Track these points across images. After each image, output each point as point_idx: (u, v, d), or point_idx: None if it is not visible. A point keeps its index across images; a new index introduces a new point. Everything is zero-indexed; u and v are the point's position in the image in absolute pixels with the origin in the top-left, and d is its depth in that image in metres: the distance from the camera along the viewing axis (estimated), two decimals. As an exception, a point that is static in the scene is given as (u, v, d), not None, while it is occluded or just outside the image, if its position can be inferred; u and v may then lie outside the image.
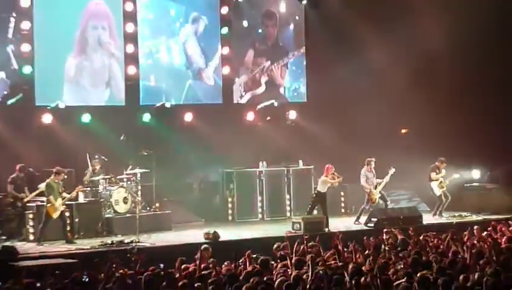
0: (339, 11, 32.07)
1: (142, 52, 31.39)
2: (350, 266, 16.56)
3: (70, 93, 29.99)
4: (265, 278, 15.39)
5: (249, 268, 17.26)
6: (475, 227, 22.53)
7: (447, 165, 29.72)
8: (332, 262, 17.53)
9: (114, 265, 18.07)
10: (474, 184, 31.78)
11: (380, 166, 29.12)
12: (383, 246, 20.19)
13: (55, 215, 24.93)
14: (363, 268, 16.67)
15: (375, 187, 28.78)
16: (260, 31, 33.84)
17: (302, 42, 34.45)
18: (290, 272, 16.44)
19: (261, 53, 33.73)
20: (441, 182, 29.44)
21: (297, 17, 34.40)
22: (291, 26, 34.49)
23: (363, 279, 15.07)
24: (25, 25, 29.11)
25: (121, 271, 17.04)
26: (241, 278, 15.82)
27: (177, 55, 32.20)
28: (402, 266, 16.75)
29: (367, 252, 19.42)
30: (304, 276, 15.58)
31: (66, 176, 26.05)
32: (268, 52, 33.88)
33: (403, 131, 32.16)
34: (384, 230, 22.91)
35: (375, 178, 28.87)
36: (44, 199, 25.17)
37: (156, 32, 31.80)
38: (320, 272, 15.89)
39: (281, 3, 34.01)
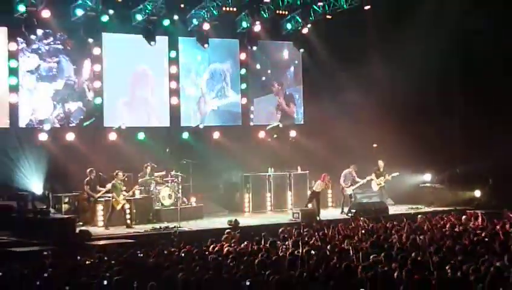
0: (326, 57, 32.13)
1: (181, 87, 31.62)
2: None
3: (129, 117, 30.21)
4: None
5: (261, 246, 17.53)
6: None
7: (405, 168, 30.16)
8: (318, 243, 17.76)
9: (161, 244, 18.37)
10: (426, 184, 31.79)
11: (359, 170, 29.48)
12: (359, 230, 20.40)
13: (118, 207, 25.19)
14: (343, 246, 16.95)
15: (349, 186, 29.06)
16: (269, 71, 33.98)
17: (300, 80, 34.60)
18: (289, 250, 16.64)
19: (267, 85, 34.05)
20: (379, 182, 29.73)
21: (296, 62, 34.52)
22: (292, 69, 34.62)
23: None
24: (97, 67, 29.39)
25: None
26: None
27: (205, 88, 32.36)
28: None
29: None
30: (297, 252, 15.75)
31: (126, 178, 26.23)
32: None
33: (374, 145, 32.11)
34: (361, 218, 23.22)
35: (356, 178, 29.19)
36: (110, 195, 25.42)
37: (188, 71, 31.98)
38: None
39: (284, 51, 34.14)
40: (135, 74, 30.60)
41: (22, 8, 26.11)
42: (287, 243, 18.15)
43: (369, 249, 16.14)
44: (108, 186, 25.67)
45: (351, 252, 15.65)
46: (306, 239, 18.40)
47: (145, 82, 30.84)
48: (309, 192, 29.09)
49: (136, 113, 30.54)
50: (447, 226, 21.04)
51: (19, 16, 26.50)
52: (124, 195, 25.37)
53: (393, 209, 28.57)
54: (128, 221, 25.41)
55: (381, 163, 29.76)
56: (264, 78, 33.90)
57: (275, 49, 34.04)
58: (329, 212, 29.19)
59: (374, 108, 31.76)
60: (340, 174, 29.42)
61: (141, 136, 29.68)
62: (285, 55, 34.25)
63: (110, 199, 25.24)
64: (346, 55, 31.15)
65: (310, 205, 28.07)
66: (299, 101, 34.61)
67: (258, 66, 33.59)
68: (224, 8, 29.72)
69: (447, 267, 13.48)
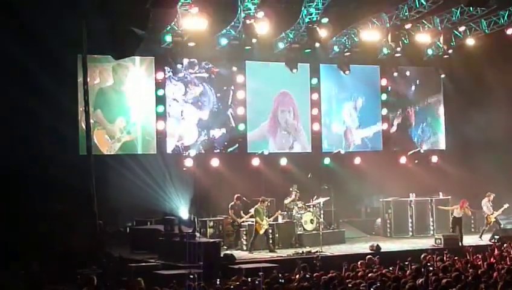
0: (468, 82, 31.51)
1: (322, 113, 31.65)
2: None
3: (272, 143, 30.42)
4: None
5: (407, 272, 17.22)
6: None
7: None
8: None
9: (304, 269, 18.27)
10: None
11: (498, 198, 28.67)
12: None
13: (262, 231, 25.25)
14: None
15: (492, 213, 28.27)
16: (409, 97, 33.59)
17: (440, 103, 34.03)
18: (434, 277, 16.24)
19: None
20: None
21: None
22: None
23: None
24: (240, 94, 29.78)
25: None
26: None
27: (348, 116, 32.30)
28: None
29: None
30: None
31: (269, 203, 26.37)
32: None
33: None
34: (505, 245, 22.49)
35: (491, 207, 28.46)
36: (254, 220, 25.56)
37: (329, 102, 32.00)
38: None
39: (425, 76, 33.67)
40: (277, 97, 30.77)
41: (168, 38, 26.80)
42: (430, 268, 17.77)
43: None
44: (252, 211, 25.78)
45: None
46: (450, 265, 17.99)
47: (286, 105, 30.97)
48: (451, 218, 28.46)
49: (279, 139, 30.67)
50: None
51: (166, 46, 27.18)
52: (267, 220, 25.44)
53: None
54: (271, 245, 25.42)
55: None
56: (403, 103, 33.46)
57: (415, 74, 33.59)
58: (472, 239, 28.38)
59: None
60: (481, 200, 28.69)
61: (283, 161, 29.83)
62: (426, 81, 33.71)
63: (254, 223, 25.35)
64: (489, 80, 30.43)
65: (452, 231, 27.46)
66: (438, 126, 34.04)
67: (398, 92, 33.18)
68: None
69: None
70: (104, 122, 27.61)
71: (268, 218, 25.56)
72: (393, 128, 33.25)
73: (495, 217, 28.39)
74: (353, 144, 32.20)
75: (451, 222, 27.86)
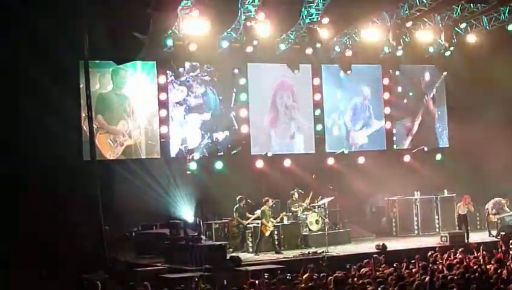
0: (470, 79, 31.40)
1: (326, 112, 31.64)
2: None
3: (275, 144, 30.40)
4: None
5: (414, 270, 17.18)
6: None
7: None
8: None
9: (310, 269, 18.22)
10: None
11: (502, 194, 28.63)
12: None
13: (267, 233, 25.21)
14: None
15: (495, 214, 28.37)
16: (411, 94, 33.48)
17: (443, 101, 33.97)
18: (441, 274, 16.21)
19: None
20: None
21: (437, 84, 33.88)
22: (434, 91, 33.99)
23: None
24: (243, 96, 29.73)
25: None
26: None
27: (350, 124, 32.22)
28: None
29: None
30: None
31: (274, 205, 26.33)
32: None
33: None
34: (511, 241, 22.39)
35: (506, 208, 28.45)
36: (259, 221, 25.50)
37: (333, 99, 31.98)
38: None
39: (426, 74, 33.57)
40: (275, 86, 30.72)
41: (170, 42, 26.84)
42: (437, 266, 17.74)
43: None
44: (257, 213, 25.76)
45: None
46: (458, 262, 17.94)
47: (285, 90, 30.84)
48: (456, 215, 28.43)
49: (280, 130, 30.69)
50: None
51: (167, 50, 27.17)
52: (272, 221, 25.38)
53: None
54: (277, 247, 25.35)
55: None
56: (405, 101, 33.40)
57: (416, 72, 33.53)
58: (478, 235, 28.26)
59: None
60: (485, 197, 28.67)
61: (287, 163, 29.82)
62: (427, 78, 33.66)
63: (259, 225, 25.29)
64: (491, 77, 30.38)
65: (459, 229, 27.42)
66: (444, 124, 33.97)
67: (399, 89, 33.12)
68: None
69: None
70: (105, 126, 27.56)
71: (274, 219, 25.51)
72: (415, 128, 33.24)
73: (497, 219, 28.36)
74: (356, 143, 32.10)
75: (457, 220, 27.87)
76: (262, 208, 25.34)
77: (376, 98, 32.67)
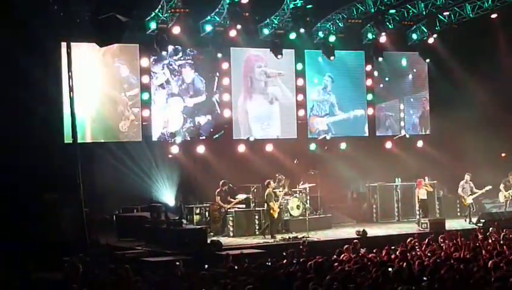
0: (453, 67, 31.47)
1: (308, 99, 31.63)
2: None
3: (256, 129, 30.40)
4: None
5: (392, 257, 17.23)
6: None
7: None
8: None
9: (291, 254, 18.24)
10: None
11: (482, 181, 28.73)
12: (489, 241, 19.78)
13: (276, 215, 25.37)
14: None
15: (469, 195, 28.42)
16: (390, 80, 33.53)
17: (422, 88, 34.04)
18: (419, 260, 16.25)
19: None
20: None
21: (414, 70, 33.97)
22: (410, 76, 34.07)
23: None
24: (225, 81, 29.69)
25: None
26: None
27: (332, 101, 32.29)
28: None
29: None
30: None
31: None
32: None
33: (503, 155, 31.24)
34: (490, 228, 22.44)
35: (474, 189, 28.53)
36: (241, 206, 25.65)
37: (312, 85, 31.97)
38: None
39: (403, 60, 33.62)
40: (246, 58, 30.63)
41: (153, 25, 26.71)
42: (415, 253, 17.80)
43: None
44: (239, 197, 25.93)
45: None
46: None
47: (261, 60, 30.73)
48: (417, 201, 28.34)
49: (263, 124, 30.67)
50: None
51: (151, 32, 27.05)
52: (277, 203, 25.54)
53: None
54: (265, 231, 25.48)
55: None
56: (381, 86, 33.45)
57: (398, 59, 33.54)
58: (458, 223, 28.35)
59: (503, 117, 30.87)
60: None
61: (269, 148, 29.81)
62: (404, 64, 33.73)
63: (267, 209, 25.38)
64: (473, 65, 30.48)
65: (423, 215, 27.50)
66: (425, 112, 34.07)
67: (375, 74, 33.15)
68: (349, 20, 29.50)
69: None
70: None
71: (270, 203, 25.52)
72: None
73: (471, 200, 28.47)
74: (337, 129, 32.09)
75: (419, 206, 27.84)
76: (266, 192, 25.42)
77: (358, 84, 32.69)
